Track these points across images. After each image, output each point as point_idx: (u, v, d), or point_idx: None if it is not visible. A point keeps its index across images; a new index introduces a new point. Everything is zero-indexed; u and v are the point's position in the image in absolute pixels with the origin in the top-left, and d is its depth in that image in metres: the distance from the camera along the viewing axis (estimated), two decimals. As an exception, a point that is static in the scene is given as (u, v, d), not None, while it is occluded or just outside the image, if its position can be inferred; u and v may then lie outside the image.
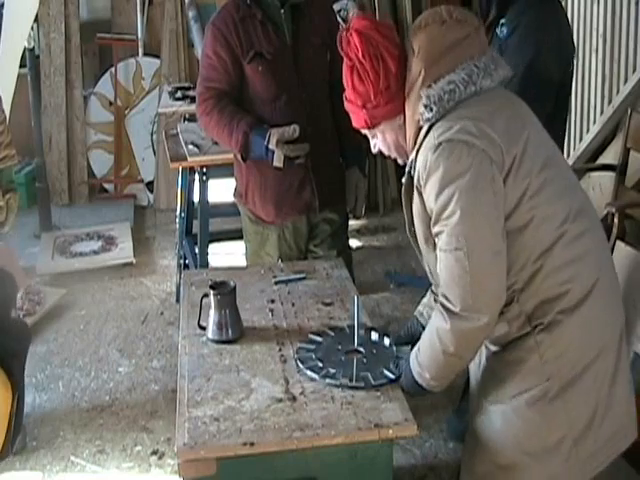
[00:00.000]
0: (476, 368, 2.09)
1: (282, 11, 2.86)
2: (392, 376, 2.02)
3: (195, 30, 5.63)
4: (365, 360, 2.12)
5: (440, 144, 1.82)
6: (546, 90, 2.71)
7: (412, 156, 1.93)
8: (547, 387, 1.91)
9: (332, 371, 2.05)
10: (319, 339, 2.21)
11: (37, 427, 3.30)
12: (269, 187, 2.95)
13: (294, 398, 1.99)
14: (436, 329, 1.89)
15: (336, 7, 5.00)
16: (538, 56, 2.68)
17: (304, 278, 2.64)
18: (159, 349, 3.89)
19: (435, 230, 1.87)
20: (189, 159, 3.71)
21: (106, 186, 5.91)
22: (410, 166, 1.93)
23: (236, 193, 3.13)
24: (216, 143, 3.77)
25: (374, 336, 2.20)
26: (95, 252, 4.91)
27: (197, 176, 3.76)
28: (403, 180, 1.98)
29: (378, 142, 2.04)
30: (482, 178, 1.80)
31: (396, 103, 1.93)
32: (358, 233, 5.12)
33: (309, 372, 2.05)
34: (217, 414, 1.94)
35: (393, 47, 1.92)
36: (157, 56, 5.74)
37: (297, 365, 2.11)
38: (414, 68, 1.88)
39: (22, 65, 4.72)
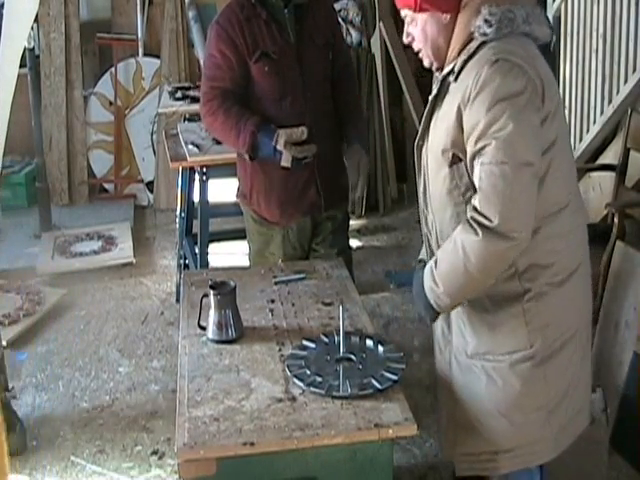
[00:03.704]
0: (447, 316, 2.10)
1: (285, 11, 2.86)
2: (379, 386, 1.99)
3: (195, 30, 5.63)
4: (353, 368, 2.09)
5: (498, 60, 1.86)
6: None
7: (453, 65, 1.94)
8: (530, 354, 1.98)
9: (318, 379, 2.03)
10: (312, 345, 2.20)
11: (37, 427, 3.30)
12: (274, 188, 2.94)
13: (294, 398, 1.99)
14: (462, 241, 1.89)
15: (336, 7, 5.01)
16: None
17: (304, 278, 2.64)
18: (159, 349, 3.89)
19: (479, 144, 1.87)
20: (189, 159, 3.71)
21: (106, 186, 5.91)
22: (448, 74, 1.95)
23: (239, 193, 3.12)
24: (219, 143, 3.78)
25: (369, 343, 2.19)
26: (95, 252, 4.91)
27: (197, 176, 3.76)
28: (434, 87, 1.99)
29: (415, 32, 2.02)
30: (532, 104, 1.86)
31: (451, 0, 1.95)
32: (358, 233, 5.12)
33: (296, 380, 2.04)
34: (217, 414, 1.94)
35: None
36: (157, 56, 5.74)
37: (287, 370, 2.09)
38: None
39: (22, 65, 4.71)
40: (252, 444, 1.83)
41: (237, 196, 3.15)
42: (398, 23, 5.60)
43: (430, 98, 2.02)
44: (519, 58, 1.86)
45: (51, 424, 3.32)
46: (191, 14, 5.64)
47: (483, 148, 1.86)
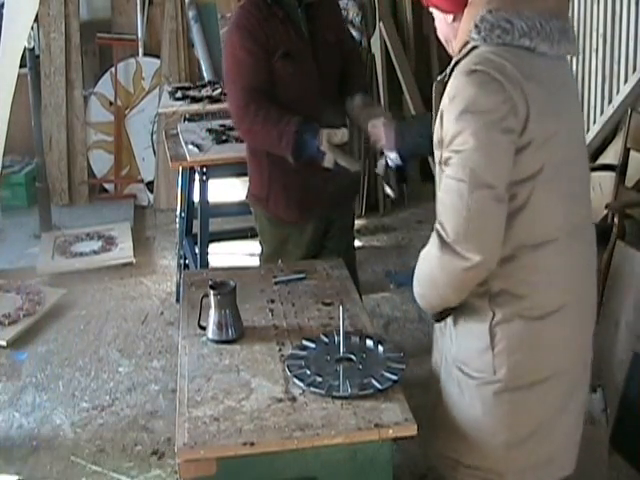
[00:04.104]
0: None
1: (299, 10, 2.85)
2: (379, 386, 1.99)
3: (195, 30, 5.64)
4: (353, 368, 2.08)
5: (475, 71, 1.77)
6: None
7: (453, 62, 1.88)
8: (494, 379, 1.93)
9: (318, 379, 2.02)
10: (312, 345, 2.19)
11: (37, 427, 3.30)
12: (292, 188, 2.92)
13: (294, 398, 1.98)
14: (428, 252, 1.88)
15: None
16: None
17: (304, 278, 2.64)
18: (159, 349, 3.89)
19: (445, 155, 1.82)
20: (189, 159, 3.71)
21: (106, 186, 5.92)
22: (449, 72, 1.89)
23: (251, 196, 3.08)
24: (219, 143, 3.79)
25: (369, 343, 2.19)
26: (95, 252, 4.90)
27: (197, 176, 3.76)
28: (438, 79, 1.93)
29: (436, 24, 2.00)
30: (502, 124, 1.75)
31: (454, 1, 1.89)
32: (358, 233, 5.11)
33: (296, 380, 2.03)
34: (217, 414, 1.93)
35: None
36: (157, 56, 5.74)
37: (287, 370, 2.09)
38: None
39: (22, 65, 4.72)
40: (252, 444, 1.83)
41: (247, 197, 3.11)
42: (398, 23, 5.61)
43: (434, 87, 1.96)
44: (501, 74, 1.75)
45: (51, 424, 3.32)
46: (191, 14, 5.64)
47: (449, 159, 1.81)
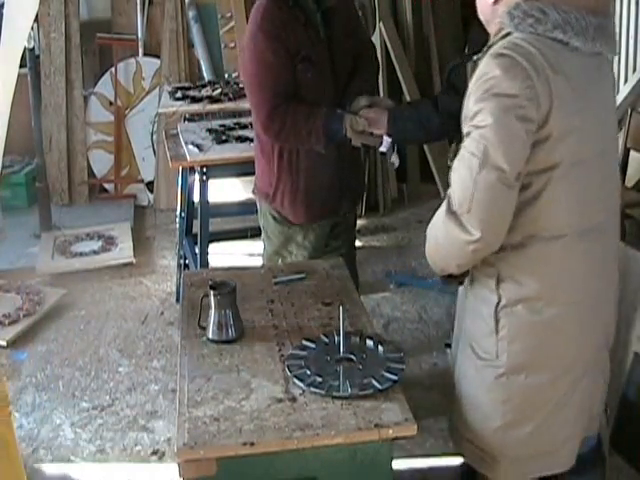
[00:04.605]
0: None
1: (318, 14, 2.83)
2: (379, 386, 1.99)
3: (195, 30, 5.64)
4: (353, 368, 2.08)
5: (503, 55, 1.80)
6: None
7: (487, 46, 1.91)
8: (496, 364, 1.98)
9: (318, 379, 2.02)
10: (312, 345, 2.19)
11: (37, 427, 3.30)
12: (300, 189, 2.93)
13: (294, 398, 1.98)
14: (438, 214, 1.94)
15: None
16: None
17: (304, 278, 2.64)
18: (159, 349, 3.89)
19: (466, 129, 1.87)
20: (189, 159, 3.71)
21: (106, 186, 5.91)
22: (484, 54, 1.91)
23: (258, 191, 3.08)
24: (219, 143, 3.79)
25: (369, 343, 2.19)
26: (95, 252, 4.90)
27: (197, 176, 3.76)
28: (475, 57, 1.96)
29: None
30: (521, 111, 1.78)
31: None
32: (358, 233, 5.09)
33: (296, 380, 2.03)
34: (217, 414, 1.94)
35: None
36: (157, 56, 5.74)
37: (287, 371, 2.09)
38: None
39: (22, 65, 4.71)
40: (252, 444, 1.83)
41: (254, 193, 3.12)
42: (398, 23, 5.61)
43: (471, 66, 2.00)
44: (528, 62, 1.78)
45: (51, 424, 3.32)
46: (191, 14, 5.64)
47: (469, 133, 1.85)
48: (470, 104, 1.85)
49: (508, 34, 1.86)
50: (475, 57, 1.95)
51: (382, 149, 2.78)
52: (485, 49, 1.90)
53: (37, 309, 4.20)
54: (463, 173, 1.83)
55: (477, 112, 1.82)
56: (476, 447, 2.06)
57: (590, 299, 2.00)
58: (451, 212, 1.86)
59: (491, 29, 1.96)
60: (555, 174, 1.84)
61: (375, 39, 5.43)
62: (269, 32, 2.76)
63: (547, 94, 1.78)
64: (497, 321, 1.96)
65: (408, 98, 5.43)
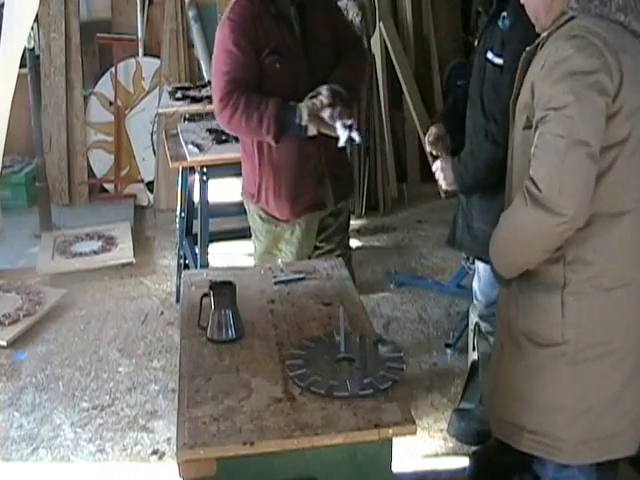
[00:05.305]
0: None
1: (292, 8, 2.86)
2: (379, 386, 1.98)
3: (195, 30, 5.63)
4: (353, 368, 2.08)
5: (576, 36, 1.87)
6: None
7: (544, 35, 1.97)
8: (563, 350, 2.00)
9: (318, 379, 2.02)
10: (312, 345, 2.19)
11: (37, 427, 3.30)
12: (284, 185, 2.95)
13: (294, 398, 1.98)
14: (514, 209, 1.95)
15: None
16: None
17: (304, 278, 2.64)
18: (159, 349, 3.89)
19: (542, 113, 1.89)
20: (189, 159, 3.71)
21: (106, 186, 5.91)
22: (540, 43, 1.99)
23: (245, 192, 3.11)
24: (219, 142, 3.79)
25: (369, 343, 2.19)
26: (95, 252, 4.90)
27: (197, 176, 3.76)
28: (527, 49, 2.03)
29: None
30: (600, 86, 1.85)
31: None
32: (358, 233, 5.11)
33: (296, 380, 2.03)
34: (217, 414, 1.93)
35: None
36: (157, 56, 5.74)
37: (287, 370, 2.09)
38: None
39: (22, 65, 4.72)
40: (252, 444, 1.83)
41: (242, 194, 3.14)
42: (398, 23, 5.61)
43: (521, 62, 2.05)
44: (599, 39, 1.86)
45: (51, 424, 3.32)
46: (191, 14, 5.64)
47: (544, 117, 1.88)
48: (541, 89, 1.89)
49: (569, 20, 1.92)
50: (527, 48, 2.03)
51: (341, 144, 2.73)
52: (542, 39, 1.96)
53: (37, 309, 4.20)
54: (549, 156, 1.86)
55: (553, 95, 1.86)
56: (545, 437, 2.07)
57: None
58: (535, 201, 1.87)
59: (541, 23, 2.01)
60: (624, 149, 1.90)
61: (375, 39, 5.44)
62: (234, 22, 2.82)
63: (617, 68, 1.86)
64: (563, 305, 1.98)
65: (408, 98, 5.44)
